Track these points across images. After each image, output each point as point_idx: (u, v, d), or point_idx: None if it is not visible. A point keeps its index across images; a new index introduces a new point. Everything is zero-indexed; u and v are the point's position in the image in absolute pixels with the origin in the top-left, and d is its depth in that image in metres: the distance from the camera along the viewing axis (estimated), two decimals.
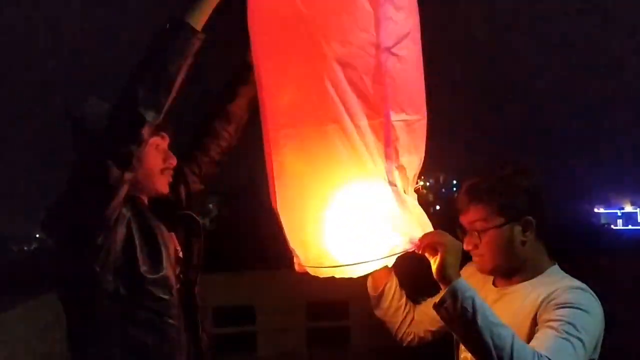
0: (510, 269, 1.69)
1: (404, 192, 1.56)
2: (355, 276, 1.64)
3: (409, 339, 1.97)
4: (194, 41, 1.52)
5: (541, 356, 1.40)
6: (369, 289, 1.95)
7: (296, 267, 1.68)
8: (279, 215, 1.65)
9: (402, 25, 1.55)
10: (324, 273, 1.61)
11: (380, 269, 1.84)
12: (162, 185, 1.74)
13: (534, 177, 1.72)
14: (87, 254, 1.54)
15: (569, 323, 1.49)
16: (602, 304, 1.58)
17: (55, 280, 1.66)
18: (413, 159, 1.59)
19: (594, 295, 1.59)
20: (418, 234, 1.56)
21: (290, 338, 5.86)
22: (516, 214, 1.65)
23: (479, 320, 1.43)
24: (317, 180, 1.55)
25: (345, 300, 5.92)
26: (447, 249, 1.51)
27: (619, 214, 56.64)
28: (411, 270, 2.00)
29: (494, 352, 1.40)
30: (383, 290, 1.93)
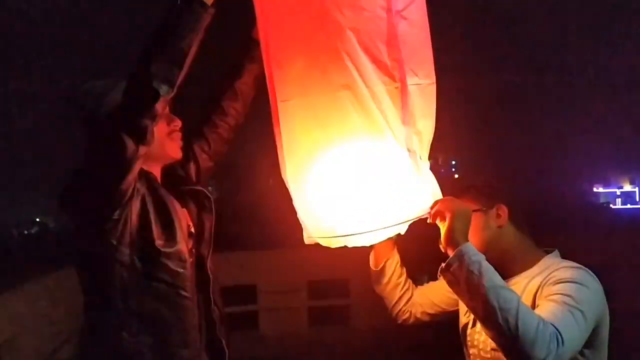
0: (493, 257, 1.66)
1: (420, 158, 1.57)
2: (368, 244, 1.66)
3: (404, 317, 1.99)
4: (205, 16, 1.53)
5: (545, 322, 1.42)
6: (371, 264, 1.98)
7: (305, 240, 1.69)
8: (288, 186, 1.66)
9: None
10: (336, 243, 1.62)
11: (384, 245, 1.90)
12: (173, 149, 1.77)
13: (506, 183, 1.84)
14: (104, 228, 1.57)
15: (567, 295, 1.51)
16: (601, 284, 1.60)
17: (73, 254, 1.70)
18: (427, 123, 1.60)
19: (592, 273, 1.62)
20: (430, 201, 1.58)
21: (292, 317, 5.92)
22: (489, 201, 1.72)
23: (485, 283, 1.44)
24: (328, 148, 1.55)
25: (346, 279, 5.96)
26: (456, 215, 1.54)
27: (618, 193, 56.67)
28: (415, 249, 2.04)
29: (499, 314, 1.41)
30: (384, 266, 1.95)
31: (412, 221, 1.57)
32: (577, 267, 1.63)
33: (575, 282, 1.55)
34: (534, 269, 1.68)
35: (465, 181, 1.84)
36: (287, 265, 5.79)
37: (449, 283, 1.53)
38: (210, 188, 1.96)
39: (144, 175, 1.67)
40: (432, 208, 1.57)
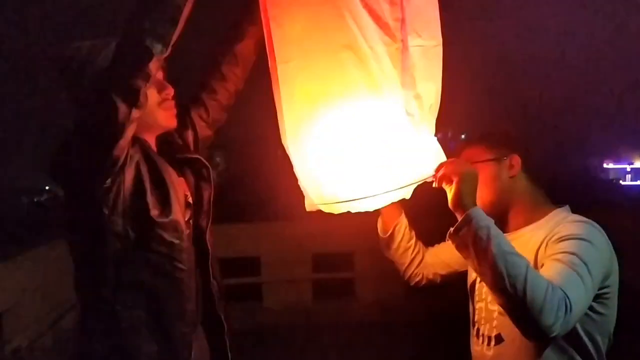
0: (503, 208, 1.68)
1: (421, 121, 1.53)
2: (371, 209, 1.63)
3: (417, 279, 2.00)
4: None
5: (554, 287, 1.39)
6: (379, 231, 1.97)
7: (307, 207, 1.66)
8: (288, 152, 1.62)
9: None
10: (339, 209, 1.59)
11: (391, 210, 1.90)
12: (166, 118, 1.69)
13: (522, 136, 1.78)
14: (96, 197, 1.50)
15: (572, 254, 1.49)
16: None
17: (65, 225, 1.63)
18: (430, 86, 1.55)
19: (598, 227, 1.59)
20: (434, 164, 1.54)
21: (296, 289, 5.91)
22: (502, 151, 1.69)
23: (494, 248, 1.42)
24: (330, 111, 1.50)
25: (351, 252, 5.94)
26: (463, 178, 1.50)
27: (628, 169, 56.27)
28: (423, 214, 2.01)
29: (507, 280, 1.39)
30: (393, 232, 1.94)
31: (415, 184, 1.54)
32: (582, 221, 1.60)
33: (580, 239, 1.53)
34: (540, 222, 1.66)
35: (478, 133, 1.81)
36: (291, 238, 5.76)
37: (457, 247, 1.51)
38: (218, 159, 1.90)
39: (138, 142, 1.60)
40: (437, 171, 1.54)
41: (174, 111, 1.71)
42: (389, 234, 1.94)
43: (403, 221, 1.95)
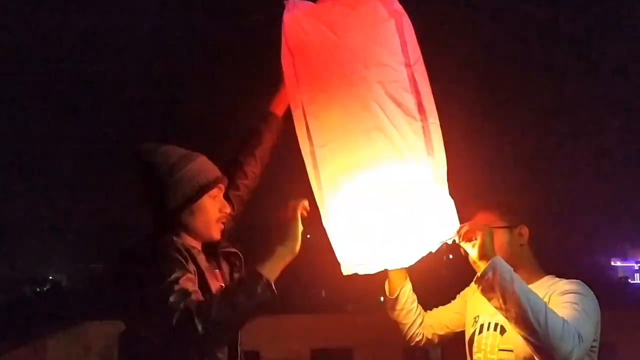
0: None
1: (443, 186, 1.84)
2: (406, 266, 1.95)
3: (417, 339, 2.24)
4: (268, 295, 1.69)
5: (569, 323, 1.67)
6: (386, 292, 2.22)
7: (343, 272, 1.90)
8: (329, 228, 1.88)
9: (415, 45, 1.89)
10: (375, 268, 1.86)
11: (398, 274, 2.19)
12: (217, 232, 1.95)
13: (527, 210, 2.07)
14: None
15: (575, 303, 1.79)
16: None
17: (121, 340, 1.91)
18: (443, 155, 1.86)
19: (587, 287, 1.90)
20: (454, 223, 1.83)
21: None
22: (515, 221, 2.00)
23: (517, 288, 1.67)
24: (367, 182, 1.79)
25: (350, 347, 5.88)
26: (486, 233, 1.78)
27: (637, 268, 55.43)
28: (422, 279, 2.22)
29: (530, 314, 1.64)
30: (399, 294, 2.18)
31: (445, 242, 1.83)
32: (575, 282, 1.92)
33: (579, 293, 1.85)
34: (536, 284, 1.92)
35: (490, 199, 2.14)
36: (290, 333, 5.75)
37: (483, 290, 1.75)
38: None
39: (187, 252, 1.79)
40: (460, 229, 1.82)
41: (222, 226, 1.96)
42: (395, 295, 2.17)
43: (408, 285, 2.19)
